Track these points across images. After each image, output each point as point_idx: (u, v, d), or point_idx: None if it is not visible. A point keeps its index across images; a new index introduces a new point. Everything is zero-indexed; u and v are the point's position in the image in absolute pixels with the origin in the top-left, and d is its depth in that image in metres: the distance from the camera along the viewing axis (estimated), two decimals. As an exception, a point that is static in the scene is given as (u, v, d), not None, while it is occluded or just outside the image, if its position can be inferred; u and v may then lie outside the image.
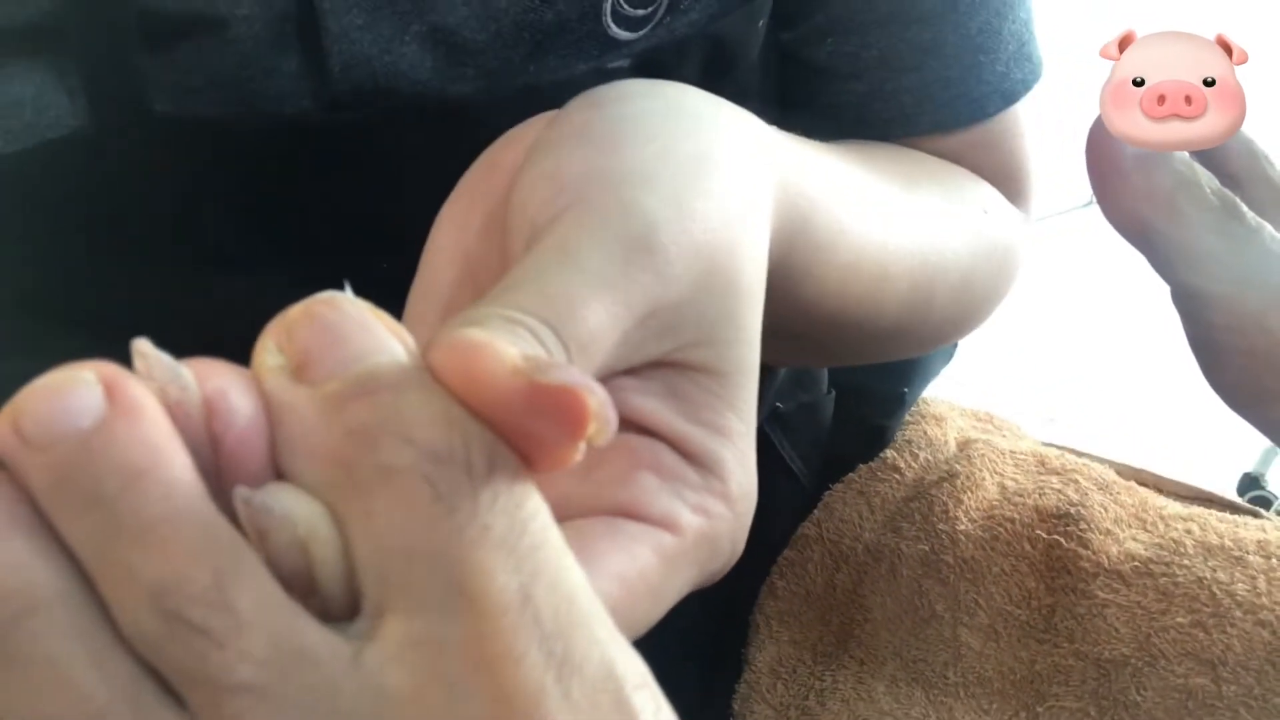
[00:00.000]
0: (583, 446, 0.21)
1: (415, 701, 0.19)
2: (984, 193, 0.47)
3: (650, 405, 0.26)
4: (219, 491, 0.20)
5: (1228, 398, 0.37)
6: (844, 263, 0.35)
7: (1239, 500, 0.57)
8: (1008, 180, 0.49)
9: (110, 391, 0.19)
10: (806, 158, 0.34)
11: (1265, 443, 1.43)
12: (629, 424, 0.26)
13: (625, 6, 0.40)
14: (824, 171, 0.34)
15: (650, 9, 0.41)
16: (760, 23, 0.44)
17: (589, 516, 0.26)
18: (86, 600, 0.19)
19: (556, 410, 0.20)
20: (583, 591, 0.21)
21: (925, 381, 0.58)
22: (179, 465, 0.19)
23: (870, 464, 0.56)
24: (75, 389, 0.19)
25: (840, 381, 0.57)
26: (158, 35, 0.38)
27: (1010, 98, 0.48)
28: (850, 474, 0.56)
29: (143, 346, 0.20)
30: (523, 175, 0.28)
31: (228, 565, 0.19)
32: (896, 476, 0.55)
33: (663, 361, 0.26)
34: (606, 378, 0.26)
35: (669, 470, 0.26)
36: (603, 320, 0.24)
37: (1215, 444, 1.49)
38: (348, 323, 0.21)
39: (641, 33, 0.41)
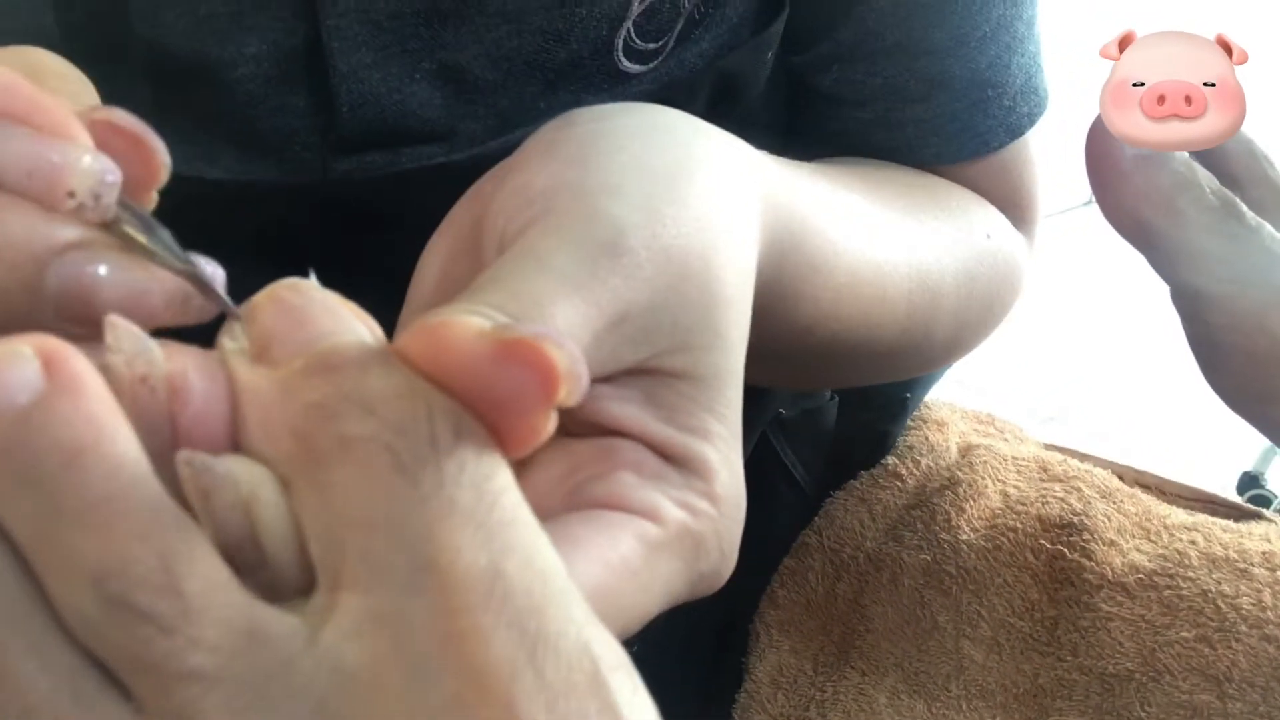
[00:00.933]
0: (554, 416, 0.21)
1: (375, 679, 0.18)
2: (987, 216, 0.47)
3: (628, 411, 0.26)
4: (174, 476, 0.20)
5: (1227, 398, 0.37)
6: (839, 284, 0.35)
7: (1241, 502, 0.57)
8: (1012, 206, 0.49)
9: (50, 366, 0.18)
10: (798, 180, 0.34)
11: (1265, 442, 1.42)
12: (607, 430, 0.26)
13: (637, 40, 0.40)
14: (817, 193, 0.34)
15: (661, 41, 0.41)
16: (769, 54, 0.44)
17: (572, 511, 0.25)
18: (24, 586, 0.18)
19: (525, 367, 0.20)
20: (556, 570, 0.20)
21: (927, 386, 0.58)
22: (123, 443, 0.18)
23: (872, 471, 0.56)
24: (11, 364, 0.18)
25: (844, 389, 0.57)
26: (164, 80, 0.38)
27: (1015, 132, 0.47)
28: (852, 481, 0.56)
29: (113, 319, 0.20)
30: (494, 193, 0.28)
31: (174, 546, 0.18)
32: (898, 484, 0.55)
33: (639, 369, 0.26)
34: None
35: (650, 470, 0.25)
36: (572, 319, 0.24)
37: (1215, 443, 1.48)
38: (311, 305, 0.21)
39: (652, 65, 0.41)
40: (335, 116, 0.39)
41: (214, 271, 0.23)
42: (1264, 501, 1.43)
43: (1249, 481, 1.47)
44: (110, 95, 0.25)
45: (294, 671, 0.18)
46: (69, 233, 0.21)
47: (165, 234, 0.22)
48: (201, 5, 0.37)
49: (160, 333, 0.21)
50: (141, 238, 0.22)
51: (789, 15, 0.44)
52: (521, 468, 0.26)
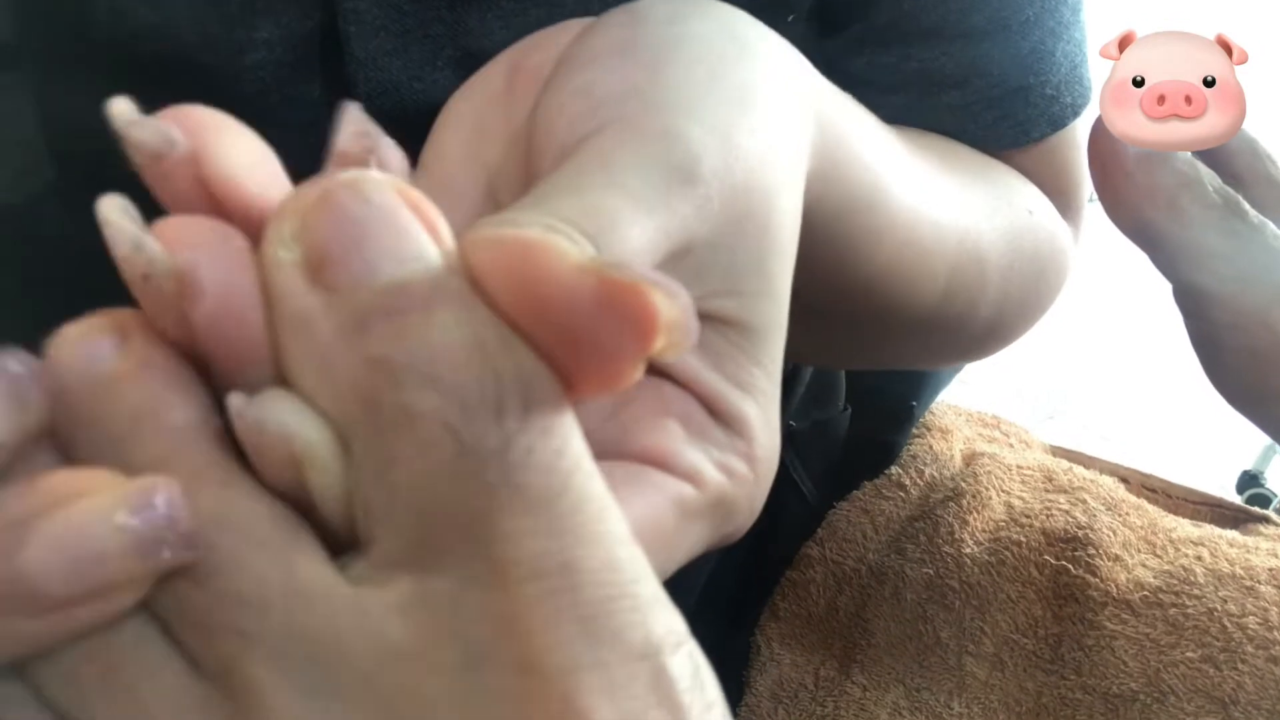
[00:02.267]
0: (643, 366, 0.19)
1: (426, 660, 0.18)
2: (1029, 192, 0.44)
3: None
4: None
5: (1229, 396, 0.36)
6: (879, 225, 0.33)
7: (1249, 508, 0.56)
8: (1057, 194, 0.46)
9: (123, 339, 0.19)
10: (849, 107, 0.32)
11: (1264, 440, 1.42)
12: (656, 374, 0.25)
13: None
14: (865, 128, 0.33)
15: None
16: (789, 18, 0.41)
17: (614, 459, 0.24)
18: None
19: (625, 315, 0.18)
20: (625, 547, 0.19)
21: (934, 393, 0.57)
22: (178, 411, 0.19)
23: (875, 481, 0.55)
24: (90, 336, 0.19)
25: (853, 394, 0.56)
26: (169, 68, 0.36)
27: (1058, 123, 0.45)
28: (855, 491, 0.56)
29: (106, 212, 0.19)
30: (552, 90, 0.25)
31: (211, 504, 0.18)
32: (901, 494, 0.55)
33: None
34: None
35: (696, 425, 0.25)
36: (644, 244, 0.22)
37: (1215, 443, 1.48)
38: (373, 216, 0.19)
39: None
40: None
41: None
42: (1264, 500, 1.43)
43: (1249, 480, 1.46)
44: (109, 84, 0.23)
45: (340, 637, 0.18)
46: None
47: None
48: None
49: None
50: None
51: None
52: None
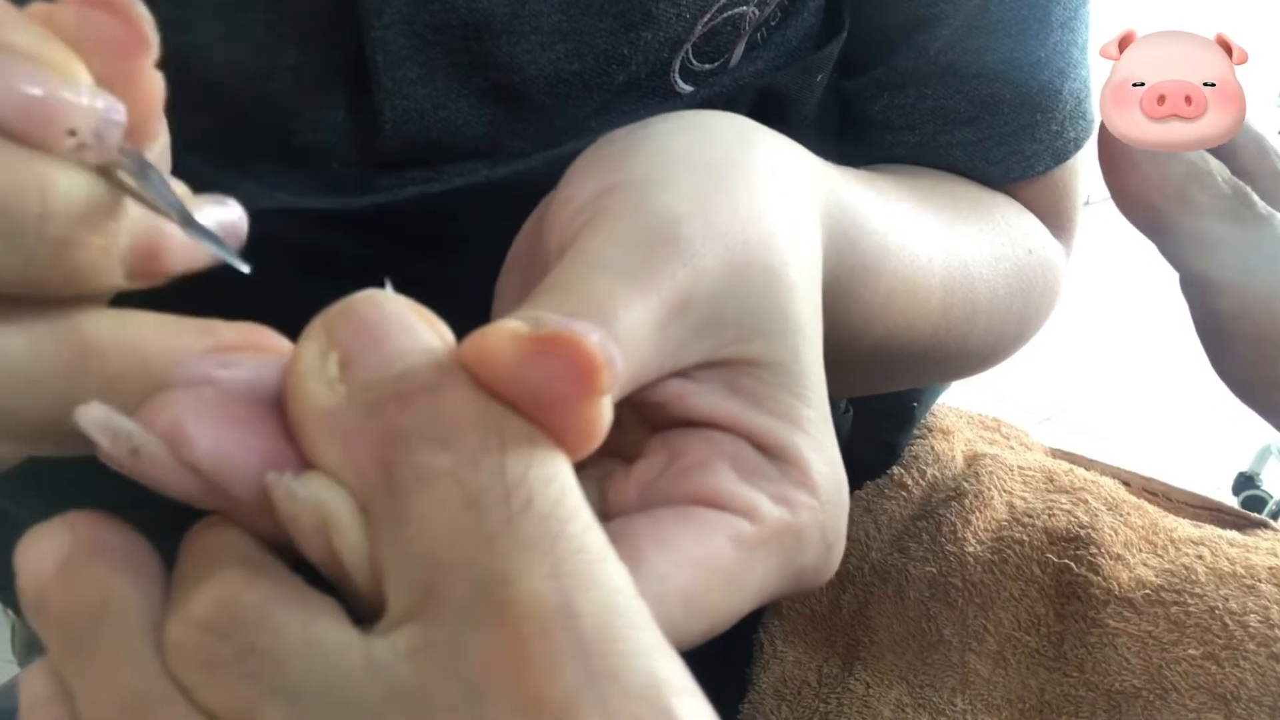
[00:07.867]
0: (608, 407, 0.21)
1: (427, 698, 0.19)
2: (1031, 228, 0.47)
3: (714, 402, 0.25)
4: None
5: (1233, 384, 0.37)
6: (887, 287, 0.34)
7: (1248, 513, 0.57)
8: (1054, 217, 0.48)
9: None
10: (851, 181, 0.34)
11: (1260, 442, 1.45)
12: (703, 425, 0.26)
13: (694, 62, 0.40)
14: (868, 196, 0.34)
15: (718, 63, 0.41)
16: (819, 77, 0.44)
17: (669, 506, 0.25)
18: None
19: (556, 359, 0.20)
20: (624, 596, 0.20)
21: (935, 395, 0.58)
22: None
23: (877, 481, 0.56)
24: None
25: (854, 398, 0.57)
26: (196, 91, 0.36)
27: (1061, 156, 0.47)
28: (857, 491, 0.56)
29: (82, 425, 0.21)
30: (545, 214, 0.28)
31: (234, 573, 0.21)
32: (904, 494, 0.55)
33: (715, 362, 0.26)
34: (658, 381, 0.25)
35: (747, 464, 0.25)
36: (633, 313, 0.23)
37: (1211, 444, 1.49)
38: (388, 320, 0.21)
39: (704, 85, 0.41)
40: (377, 132, 0.38)
41: (237, 216, 0.23)
42: (1259, 502, 1.44)
43: (1244, 482, 1.47)
44: None
45: (352, 682, 0.19)
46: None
47: (159, 177, 0.21)
48: (237, 13, 0.36)
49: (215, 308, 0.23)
50: (134, 183, 0.21)
51: (847, 39, 0.43)
52: (627, 460, 0.26)
